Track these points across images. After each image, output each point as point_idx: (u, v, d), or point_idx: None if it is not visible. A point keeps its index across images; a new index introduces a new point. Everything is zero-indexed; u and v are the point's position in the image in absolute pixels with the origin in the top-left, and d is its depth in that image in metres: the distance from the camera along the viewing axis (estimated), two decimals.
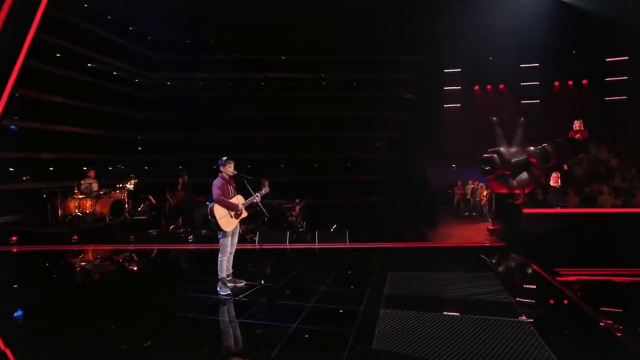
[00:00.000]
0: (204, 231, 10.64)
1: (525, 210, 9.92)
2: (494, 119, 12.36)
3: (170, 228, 10.89)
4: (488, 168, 11.91)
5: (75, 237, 9.61)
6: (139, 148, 15.89)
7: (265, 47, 15.61)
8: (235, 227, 5.97)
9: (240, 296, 5.65)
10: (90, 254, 8.81)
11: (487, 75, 17.33)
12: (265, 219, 9.07)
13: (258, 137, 15.68)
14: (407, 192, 13.96)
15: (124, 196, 11.42)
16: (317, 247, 9.03)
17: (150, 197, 12.22)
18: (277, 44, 15.60)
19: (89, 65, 13.98)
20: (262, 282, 6.04)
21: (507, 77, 17.33)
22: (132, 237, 9.75)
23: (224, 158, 5.92)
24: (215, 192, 5.70)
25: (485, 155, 12.16)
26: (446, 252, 9.16)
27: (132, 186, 11.79)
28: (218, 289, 5.87)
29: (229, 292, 5.79)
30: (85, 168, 12.01)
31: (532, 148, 11.41)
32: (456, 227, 12.74)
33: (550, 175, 10.94)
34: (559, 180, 10.70)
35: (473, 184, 16.13)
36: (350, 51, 15.83)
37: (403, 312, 4.96)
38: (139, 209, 12.06)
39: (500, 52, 15.78)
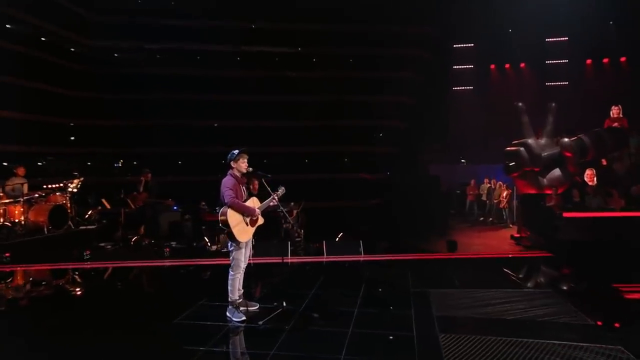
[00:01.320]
0: (173, 243, 10.62)
1: (566, 214, 10.37)
2: (520, 104, 12.82)
3: (132, 240, 10.70)
4: (513, 164, 12.37)
5: (7, 254, 9.21)
6: (72, 138, 15.42)
7: (239, 13, 15.47)
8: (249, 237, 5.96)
9: (260, 323, 5.63)
10: (38, 276, 8.52)
11: (505, 51, 17.82)
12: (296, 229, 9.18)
13: (231, 125, 15.55)
14: (413, 193, 14.25)
15: (65, 200, 11.09)
16: (325, 260, 9.14)
17: (103, 200, 11.92)
18: (254, 9, 15.50)
19: (7, 26, 13.35)
20: (284, 304, 6.06)
21: (530, 54, 17.82)
22: (88, 252, 9.51)
23: (236, 151, 5.82)
24: (228, 193, 5.61)
25: (509, 148, 12.58)
26: (479, 264, 9.48)
27: (76, 187, 11.45)
28: (229, 314, 5.82)
29: (244, 317, 5.75)
30: (6, 164, 11.58)
31: (566, 139, 11.87)
32: (471, 234, 13.15)
33: (584, 172, 11.43)
34: (595, 179, 11.19)
35: (489, 183, 16.67)
36: (342, 20, 15.93)
37: (468, 338, 5.11)
38: (87, 216, 11.76)
39: (521, 23, 16.24)
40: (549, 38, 17.85)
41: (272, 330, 5.45)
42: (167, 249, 9.74)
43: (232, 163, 5.80)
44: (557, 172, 12.17)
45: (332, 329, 5.48)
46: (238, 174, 5.82)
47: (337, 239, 10.29)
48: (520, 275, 8.68)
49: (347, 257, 9.31)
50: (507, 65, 18.71)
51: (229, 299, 5.88)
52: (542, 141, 12.53)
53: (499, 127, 17.28)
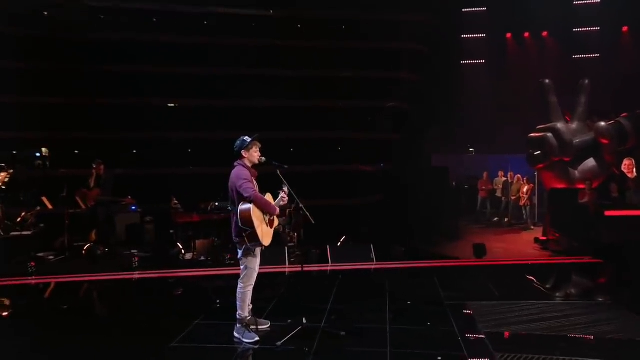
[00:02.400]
0: (134, 251, 10.64)
1: (608, 213, 10.78)
2: (547, 81, 13.19)
3: (84, 248, 10.59)
4: (539, 153, 12.76)
5: (33, 263, 9.34)
6: None
7: None
8: None
9: (278, 344, 5.71)
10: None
11: (524, 17, 18.03)
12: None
13: (198, 105, 15.48)
14: (419, 188, 14.49)
15: None
16: (331, 268, 9.35)
17: (44, 199, 11.71)
18: None
19: None
20: (304, 321, 6.16)
21: (554, 20, 17.98)
22: (32, 263, 9.38)
23: (246, 138, 5.85)
24: (246, 185, 5.58)
25: (533, 135, 12.95)
26: (508, 272, 9.88)
27: (2, 182, 11.22)
28: (238, 334, 5.83)
29: (257, 338, 5.82)
30: None
31: (601, 123, 12.27)
32: (487, 237, 13.50)
33: (622, 162, 11.66)
34: (635, 170, 11.46)
35: (505, 176, 17.10)
36: None
37: (530, 358, 5.33)
38: (19, 219, 11.50)
39: None
40: (577, 1, 18.09)
41: (294, 353, 5.51)
42: (136, 258, 9.68)
43: (243, 152, 5.83)
44: (591, 162, 12.57)
45: (366, 349, 5.58)
46: (249, 165, 5.87)
47: (338, 244, 10.43)
48: (567, 285, 9.13)
49: (356, 264, 9.53)
50: (526, 34, 18.96)
51: (238, 316, 5.89)
52: (573, 126, 12.94)
53: (516, 109, 17.68)
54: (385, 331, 6.12)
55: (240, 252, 5.87)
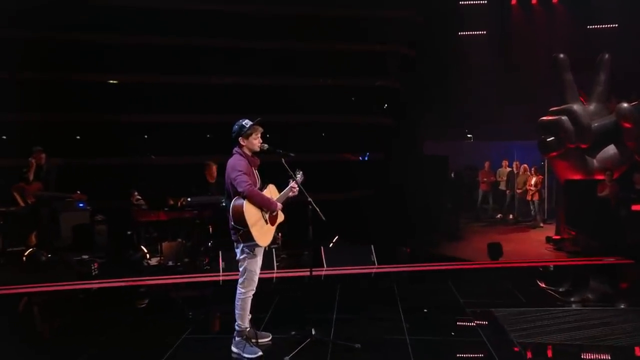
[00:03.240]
0: (85, 256, 10.60)
1: (636, 207, 11.16)
2: (561, 56, 13.39)
3: (25, 254, 10.44)
4: (552, 139, 12.96)
5: (96, 264, 9.76)
6: None
7: None
8: None
9: (286, 358, 5.81)
10: None
11: None
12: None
13: (154, 81, 15.30)
14: (416, 180, 14.69)
15: None
16: (326, 272, 9.49)
17: None
18: None
19: None
20: (313, 332, 6.25)
21: None
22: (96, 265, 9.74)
23: (246, 122, 5.84)
24: (241, 179, 5.62)
25: (546, 118, 13.14)
26: (527, 275, 10.24)
27: None
28: (237, 349, 5.81)
29: (260, 353, 5.87)
30: None
31: (624, 105, 12.42)
32: (491, 236, 13.76)
33: None
34: None
35: (510, 166, 17.42)
36: None
37: None
38: None
39: None
40: None
41: None
42: (96, 264, 9.66)
43: (241, 139, 5.83)
44: (611, 149, 12.77)
45: None
46: (249, 153, 5.88)
47: (330, 245, 10.55)
48: (596, 289, 9.44)
49: (356, 268, 9.69)
50: (533, 1, 19.13)
51: (237, 328, 5.92)
52: (591, 107, 13.11)
53: (522, 89, 17.90)
54: (404, 343, 6.22)
55: (237, 252, 5.90)
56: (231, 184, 5.71)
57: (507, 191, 17.31)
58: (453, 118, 18.93)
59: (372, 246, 10.03)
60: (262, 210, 5.80)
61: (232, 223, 5.65)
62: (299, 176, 6.34)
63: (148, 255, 10.36)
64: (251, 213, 5.65)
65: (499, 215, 17.50)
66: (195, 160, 11.95)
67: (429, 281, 9.40)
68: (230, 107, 14.77)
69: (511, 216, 17.12)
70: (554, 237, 12.98)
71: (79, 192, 11.77)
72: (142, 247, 10.47)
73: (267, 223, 5.87)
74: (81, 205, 11.77)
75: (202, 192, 10.36)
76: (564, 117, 12.63)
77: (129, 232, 11.25)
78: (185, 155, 14.59)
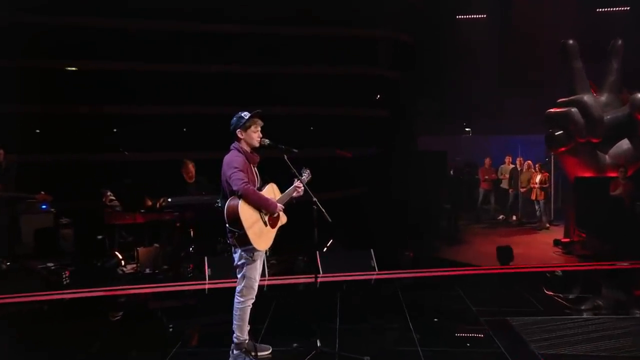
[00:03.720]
0: (50, 264, 10.47)
1: None
2: (570, 42, 13.42)
3: None
4: (561, 133, 13.04)
5: (192, 266, 10.09)
6: None
7: None
8: None
9: None
10: None
11: None
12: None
13: (132, 69, 15.17)
14: (412, 178, 14.76)
15: None
16: (322, 279, 9.47)
17: None
18: None
19: None
20: (318, 343, 6.26)
21: None
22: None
23: (244, 114, 5.83)
24: (236, 176, 5.55)
25: (554, 110, 13.21)
26: (537, 280, 10.31)
27: None
28: None
29: None
30: None
31: (639, 95, 12.62)
32: (493, 239, 13.94)
33: None
34: None
35: (513, 163, 17.56)
36: None
37: None
38: None
39: None
40: None
41: None
42: (67, 272, 9.61)
43: (238, 132, 5.81)
44: (625, 144, 12.83)
45: None
46: (247, 149, 5.85)
47: (324, 249, 10.59)
48: (617, 296, 9.58)
49: (354, 274, 9.75)
50: None
51: (235, 340, 5.90)
52: (603, 98, 13.19)
53: (526, 78, 18.05)
54: (417, 355, 6.24)
55: (235, 257, 5.88)
56: (226, 181, 5.68)
57: (510, 190, 17.43)
58: (450, 110, 18.96)
59: (372, 250, 10.09)
60: (260, 211, 5.76)
61: (227, 225, 5.62)
62: (305, 175, 6.34)
63: (123, 262, 10.29)
64: (248, 214, 5.61)
65: (501, 217, 17.62)
66: (174, 157, 11.88)
67: (435, 287, 9.50)
68: (208, 97, 14.76)
69: (514, 217, 17.26)
70: (562, 240, 13.07)
71: (43, 192, 11.66)
72: (117, 253, 10.38)
73: (266, 225, 5.82)
74: (44, 207, 11.68)
75: (183, 191, 10.35)
76: (574, 109, 12.67)
77: (99, 237, 11.16)
78: (159, 151, 14.51)
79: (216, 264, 9.68)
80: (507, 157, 17.73)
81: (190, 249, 10.44)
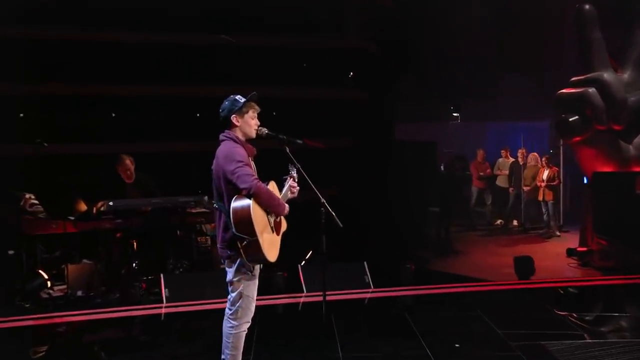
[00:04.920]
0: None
1: None
2: (586, 7, 13.41)
3: None
4: (575, 119, 13.22)
5: None
6: None
7: None
8: None
9: None
10: None
11: None
12: None
13: (44, 38, 14.97)
14: (394, 174, 14.95)
15: None
16: (305, 299, 9.71)
17: None
18: None
19: None
20: None
21: None
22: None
23: (239, 98, 5.84)
24: (245, 171, 5.52)
25: (566, 91, 13.35)
26: (565, 296, 10.77)
27: None
28: None
29: None
30: None
31: None
32: (492, 249, 14.66)
33: None
34: None
35: (514, 156, 17.80)
36: None
37: None
38: None
39: None
40: None
41: None
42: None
43: (234, 118, 5.81)
44: None
45: None
46: (243, 139, 5.87)
47: (303, 262, 10.77)
48: None
49: (344, 292, 9.90)
50: None
51: None
52: (625, 76, 13.36)
53: (528, 53, 18.28)
54: None
55: (230, 273, 5.86)
56: (225, 179, 5.68)
57: (511, 189, 17.57)
58: (433, 90, 18.93)
59: (365, 263, 10.29)
60: (268, 213, 5.83)
61: (235, 231, 5.57)
62: (294, 172, 6.35)
63: (49, 283, 10.23)
64: (259, 217, 5.64)
65: (499, 222, 17.88)
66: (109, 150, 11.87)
67: (446, 306, 9.69)
68: (143, 76, 14.70)
69: (515, 222, 17.56)
70: (578, 249, 13.27)
71: None
72: (40, 271, 10.31)
73: (272, 231, 5.89)
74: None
75: (125, 194, 10.36)
76: (591, 90, 12.80)
77: (10, 252, 11.02)
78: (92, 142, 14.40)
79: (175, 284, 9.76)
80: (504, 150, 18.03)
81: (134, 265, 10.33)
